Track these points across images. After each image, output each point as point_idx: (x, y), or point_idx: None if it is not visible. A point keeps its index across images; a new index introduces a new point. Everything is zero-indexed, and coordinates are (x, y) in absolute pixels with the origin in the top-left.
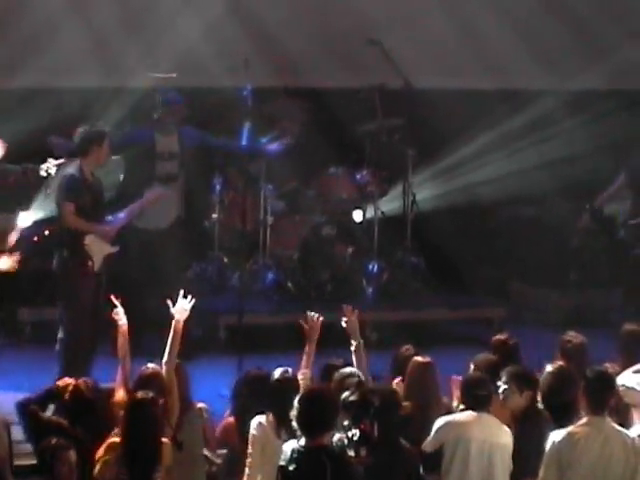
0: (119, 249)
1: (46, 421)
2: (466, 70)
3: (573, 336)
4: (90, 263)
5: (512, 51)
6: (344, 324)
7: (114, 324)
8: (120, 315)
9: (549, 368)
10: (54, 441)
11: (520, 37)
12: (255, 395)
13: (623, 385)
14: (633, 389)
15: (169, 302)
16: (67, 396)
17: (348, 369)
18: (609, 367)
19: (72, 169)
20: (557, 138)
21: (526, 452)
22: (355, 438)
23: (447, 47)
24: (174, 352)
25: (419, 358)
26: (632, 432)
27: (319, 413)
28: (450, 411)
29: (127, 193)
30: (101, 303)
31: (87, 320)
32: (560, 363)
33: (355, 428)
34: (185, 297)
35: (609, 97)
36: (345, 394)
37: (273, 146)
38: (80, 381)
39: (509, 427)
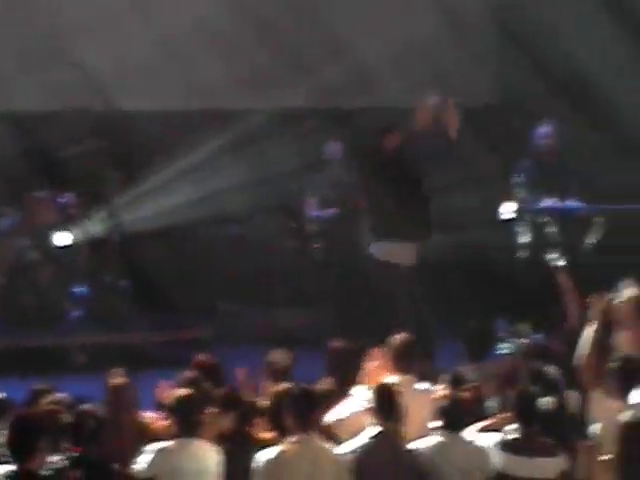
0: None
1: None
2: (168, 91)
3: (280, 355)
4: None
5: (215, 70)
6: None
7: None
8: None
9: None
10: None
11: (222, 56)
12: None
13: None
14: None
15: None
16: None
17: (58, 395)
18: (321, 385)
19: None
20: (262, 156)
21: (234, 472)
22: (67, 461)
23: (149, 68)
24: None
25: (115, 380)
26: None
27: (23, 437)
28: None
29: None
30: None
31: None
32: None
33: (69, 450)
34: None
35: (312, 115)
36: (59, 417)
37: None
38: None
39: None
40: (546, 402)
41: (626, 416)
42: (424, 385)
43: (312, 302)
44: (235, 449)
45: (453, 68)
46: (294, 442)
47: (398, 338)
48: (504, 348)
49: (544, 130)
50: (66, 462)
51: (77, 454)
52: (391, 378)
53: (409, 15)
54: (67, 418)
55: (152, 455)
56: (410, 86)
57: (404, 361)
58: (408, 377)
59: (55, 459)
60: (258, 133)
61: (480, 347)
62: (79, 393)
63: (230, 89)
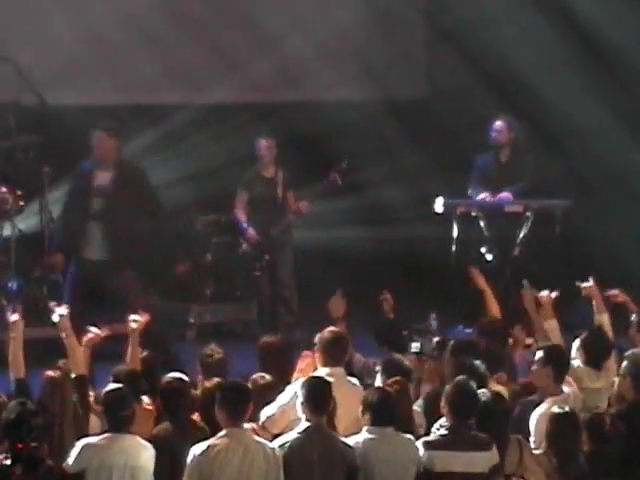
0: None
1: None
2: (99, 86)
3: (214, 350)
4: None
5: (143, 65)
6: None
7: None
8: None
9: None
10: None
11: (150, 51)
12: None
13: None
14: None
15: None
16: None
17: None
18: (259, 379)
19: None
20: (191, 153)
21: (172, 467)
22: (8, 459)
23: (80, 63)
24: None
25: (50, 372)
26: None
27: None
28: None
29: None
30: None
31: None
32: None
33: (13, 448)
34: None
35: (239, 110)
36: (4, 414)
37: None
38: None
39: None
40: (483, 394)
41: (552, 409)
42: (353, 379)
43: (242, 297)
44: (173, 436)
45: (382, 61)
46: (224, 436)
47: (327, 331)
48: (414, 347)
49: (496, 124)
50: (8, 459)
51: (18, 450)
52: (321, 371)
53: (337, 8)
54: (8, 414)
55: (80, 450)
56: (339, 79)
57: (334, 354)
58: (338, 369)
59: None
60: (187, 128)
61: (388, 343)
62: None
63: (159, 84)
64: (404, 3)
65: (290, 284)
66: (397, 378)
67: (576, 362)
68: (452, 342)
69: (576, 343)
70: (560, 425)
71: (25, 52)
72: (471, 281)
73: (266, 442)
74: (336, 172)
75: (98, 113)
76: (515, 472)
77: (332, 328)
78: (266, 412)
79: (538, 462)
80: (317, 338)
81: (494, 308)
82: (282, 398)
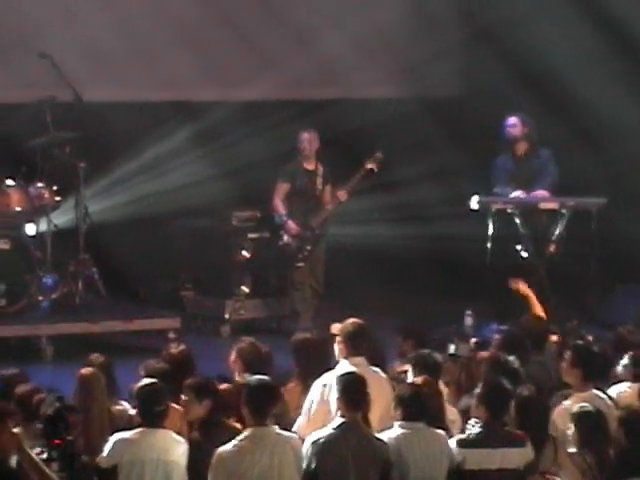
0: None
1: None
2: (136, 82)
3: (254, 344)
4: None
5: (182, 63)
6: None
7: None
8: None
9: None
10: None
11: (189, 48)
12: None
13: None
14: None
15: None
16: None
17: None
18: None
19: None
20: (227, 149)
21: (207, 462)
22: (45, 454)
23: (117, 60)
24: None
25: (83, 370)
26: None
27: None
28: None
29: None
30: None
31: None
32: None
33: (50, 443)
34: None
35: (276, 107)
36: (42, 409)
37: None
38: None
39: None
40: (522, 390)
41: (574, 407)
42: (376, 368)
43: (277, 293)
44: (207, 438)
45: (419, 59)
46: (249, 436)
47: (349, 323)
48: (451, 349)
49: (510, 119)
50: (45, 454)
51: (55, 446)
52: (343, 362)
53: (376, 6)
54: (46, 409)
55: (114, 444)
56: (377, 77)
57: (357, 344)
58: (360, 359)
59: (36, 451)
60: (224, 125)
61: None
62: (47, 383)
63: (197, 81)
64: (442, 1)
65: (321, 279)
66: (426, 375)
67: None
68: (497, 337)
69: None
70: (590, 424)
71: (62, 48)
72: (514, 290)
73: (290, 434)
74: (372, 161)
75: (134, 109)
76: (550, 469)
77: (354, 319)
78: (297, 423)
79: (572, 460)
80: (339, 329)
81: (539, 311)
82: (316, 394)
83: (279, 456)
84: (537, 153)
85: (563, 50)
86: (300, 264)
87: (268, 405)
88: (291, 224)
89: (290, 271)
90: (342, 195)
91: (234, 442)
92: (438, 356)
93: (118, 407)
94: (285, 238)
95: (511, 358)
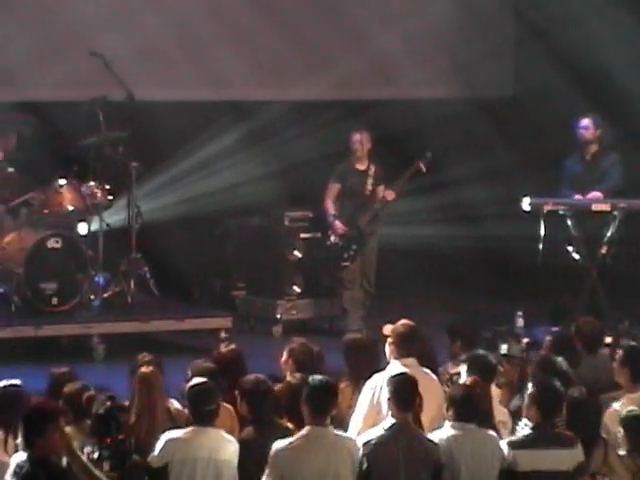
0: None
1: None
2: (188, 82)
3: (306, 344)
4: None
5: (233, 62)
6: None
7: None
8: None
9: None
10: None
11: (240, 47)
12: None
13: None
14: None
15: None
16: None
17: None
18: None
19: None
20: (279, 149)
21: (257, 461)
22: (96, 453)
23: (169, 59)
24: None
25: (144, 369)
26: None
27: (34, 426)
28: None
29: None
30: None
31: None
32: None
33: (101, 442)
34: None
35: (331, 107)
36: (94, 408)
37: None
38: None
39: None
40: (574, 391)
41: (623, 411)
42: (426, 369)
43: (329, 293)
44: (257, 437)
45: (472, 59)
46: (307, 435)
47: (400, 324)
48: (503, 349)
49: (583, 121)
50: (96, 452)
51: (106, 445)
52: (394, 363)
53: (428, 6)
54: (97, 408)
55: (165, 443)
56: (429, 77)
57: (408, 345)
58: (411, 360)
59: (87, 450)
60: (276, 125)
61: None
62: (98, 382)
63: (249, 80)
64: (494, 1)
65: (373, 279)
66: (480, 376)
67: None
68: (549, 339)
69: None
70: (639, 427)
71: (114, 47)
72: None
73: (347, 436)
74: (420, 161)
75: (186, 108)
76: (599, 471)
77: (405, 320)
78: (352, 426)
79: (622, 463)
80: (390, 330)
81: None
82: (367, 396)
83: (335, 457)
84: (607, 157)
85: (615, 49)
86: (346, 263)
87: (329, 405)
88: (337, 224)
89: (339, 270)
90: (389, 194)
91: (291, 439)
92: (493, 358)
93: (176, 407)
94: (332, 238)
95: (560, 359)
